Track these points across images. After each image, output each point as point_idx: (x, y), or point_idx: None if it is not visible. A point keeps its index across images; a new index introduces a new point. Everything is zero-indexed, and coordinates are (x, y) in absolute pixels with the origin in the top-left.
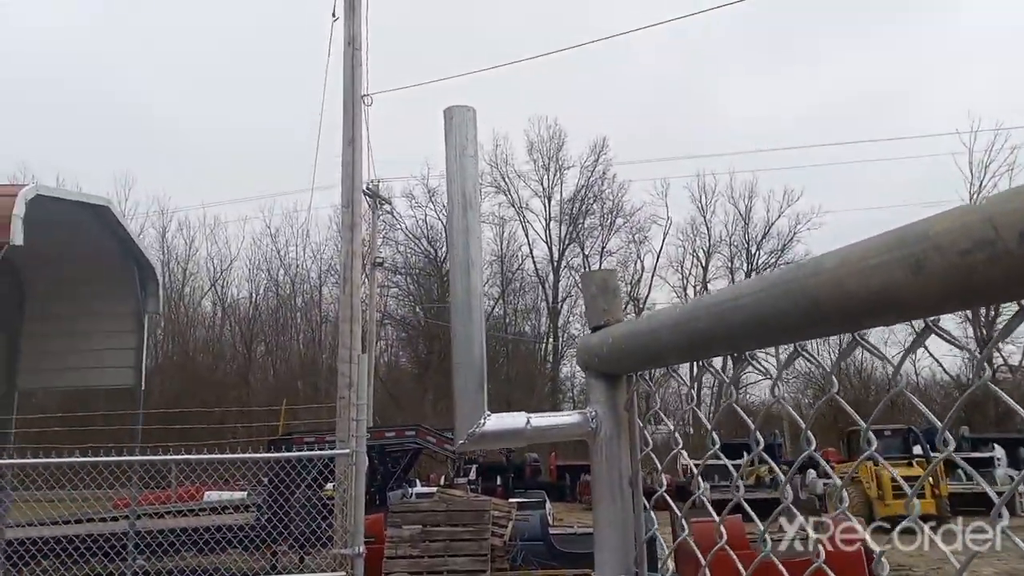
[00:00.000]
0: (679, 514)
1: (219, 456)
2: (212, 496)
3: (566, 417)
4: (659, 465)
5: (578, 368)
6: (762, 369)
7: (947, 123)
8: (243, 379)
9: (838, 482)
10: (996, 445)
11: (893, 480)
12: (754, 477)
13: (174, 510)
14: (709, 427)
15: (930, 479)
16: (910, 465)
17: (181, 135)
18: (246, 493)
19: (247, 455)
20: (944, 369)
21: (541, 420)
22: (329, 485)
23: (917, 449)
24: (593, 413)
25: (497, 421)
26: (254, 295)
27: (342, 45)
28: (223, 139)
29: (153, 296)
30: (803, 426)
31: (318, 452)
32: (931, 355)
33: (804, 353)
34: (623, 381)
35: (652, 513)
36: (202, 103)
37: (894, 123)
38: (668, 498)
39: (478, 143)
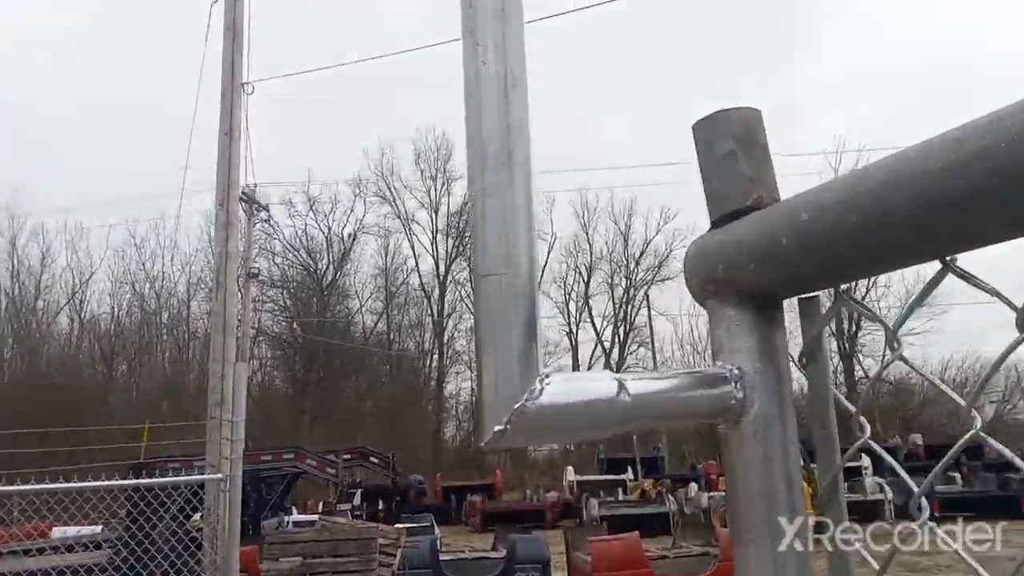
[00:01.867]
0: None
1: (65, 485)
2: (61, 533)
3: (682, 380)
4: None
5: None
6: None
7: (818, 149)
8: (102, 400)
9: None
10: (863, 455)
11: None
12: (638, 492)
13: (15, 550)
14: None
15: (809, 489)
16: None
17: (32, 133)
18: (100, 528)
19: (98, 483)
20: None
21: (642, 384)
22: (197, 515)
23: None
24: (735, 371)
25: (564, 386)
26: (116, 310)
27: (221, 32)
28: (84, 138)
29: None
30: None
31: (185, 478)
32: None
33: None
34: (813, 307)
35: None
36: (59, 95)
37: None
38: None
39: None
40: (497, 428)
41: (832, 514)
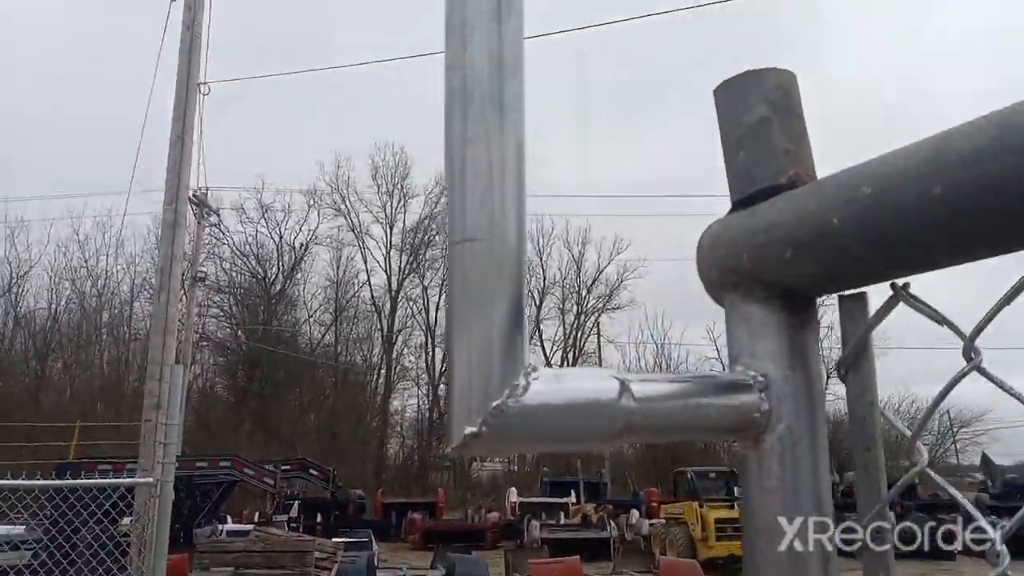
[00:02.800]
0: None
1: None
2: None
3: (696, 386)
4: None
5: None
6: None
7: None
8: (33, 397)
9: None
10: None
11: (717, 522)
12: (580, 516)
13: None
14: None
15: None
16: (731, 507)
17: None
18: (22, 528)
19: (18, 482)
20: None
21: (650, 387)
22: (125, 520)
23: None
24: (760, 379)
25: (555, 383)
26: (54, 306)
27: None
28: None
29: None
30: None
31: (114, 480)
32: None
33: None
34: (859, 305)
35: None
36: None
37: (711, 188)
38: None
39: None
40: (470, 430)
41: (873, 561)
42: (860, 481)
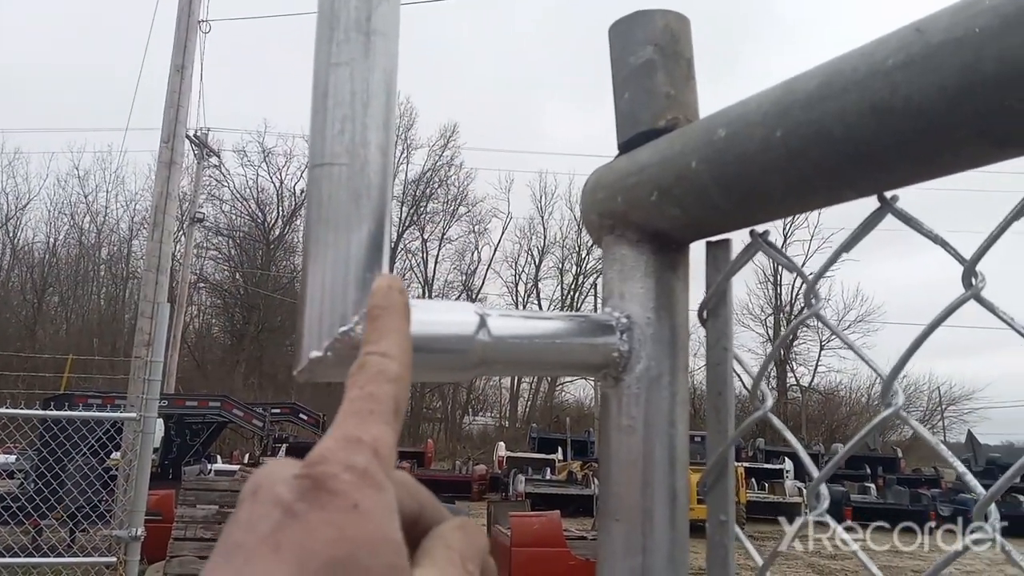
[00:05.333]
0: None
1: None
2: None
3: (558, 324)
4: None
5: None
6: None
7: None
8: (29, 331)
9: None
10: (786, 458)
11: (698, 484)
12: (566, 473)
13: None
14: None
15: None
16: None
17: None
18: (15, 457)
19: (5, 411)
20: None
21: (509, 323)
22: (115, 454)
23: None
24: (623, 320)
25: (412, 313)
26: (52, 240)
27: None
28: (33, 61)
29: None
30: None
31: (98, 414)
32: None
33: None
34: (722, 251)
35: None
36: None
37: None
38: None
39: None
40: (315, 354)
41: (716, 500)
42: (710, 423)
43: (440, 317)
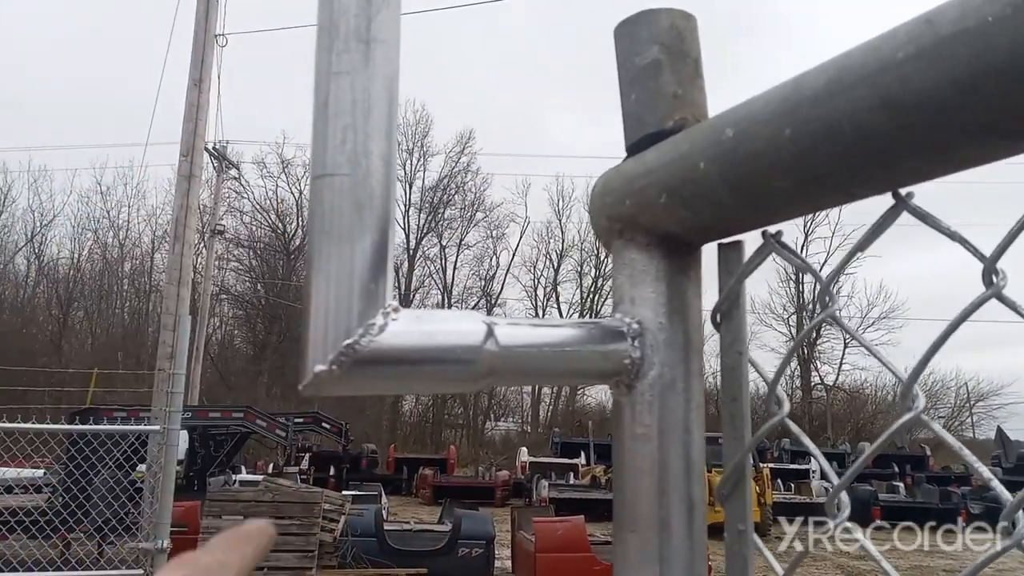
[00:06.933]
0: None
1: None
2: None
3: (567, 332)
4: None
5: None
6: None
7: None
8: (55, 346)
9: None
10: (812, 458)
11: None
12: (589, 477)
13: None
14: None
15: (757, 488)
16: None
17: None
18: (43, 472)
19: (31, 425)
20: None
21: (518, 331)
22: (141, 466)
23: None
24: (634, 326)
25: (416, 324)
26: (76, 255)
27: None
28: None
29: None
30: None
31: (123, 427)
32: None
33: None
34: (735, 253)
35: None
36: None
37: None
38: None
39: None
40: (320, 368)
41: (734, 509)
42: (726, 429)
43: (446, 327)
